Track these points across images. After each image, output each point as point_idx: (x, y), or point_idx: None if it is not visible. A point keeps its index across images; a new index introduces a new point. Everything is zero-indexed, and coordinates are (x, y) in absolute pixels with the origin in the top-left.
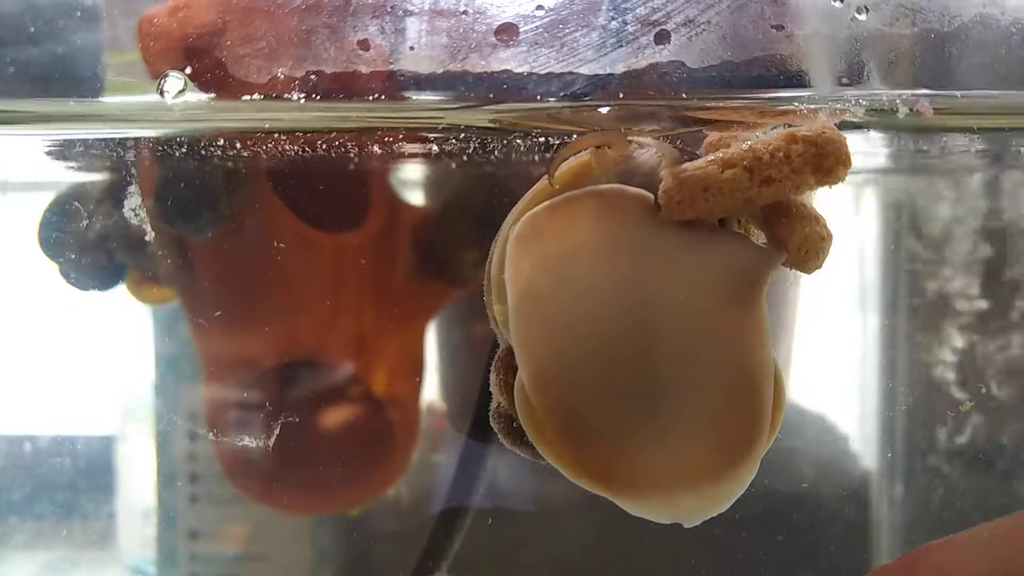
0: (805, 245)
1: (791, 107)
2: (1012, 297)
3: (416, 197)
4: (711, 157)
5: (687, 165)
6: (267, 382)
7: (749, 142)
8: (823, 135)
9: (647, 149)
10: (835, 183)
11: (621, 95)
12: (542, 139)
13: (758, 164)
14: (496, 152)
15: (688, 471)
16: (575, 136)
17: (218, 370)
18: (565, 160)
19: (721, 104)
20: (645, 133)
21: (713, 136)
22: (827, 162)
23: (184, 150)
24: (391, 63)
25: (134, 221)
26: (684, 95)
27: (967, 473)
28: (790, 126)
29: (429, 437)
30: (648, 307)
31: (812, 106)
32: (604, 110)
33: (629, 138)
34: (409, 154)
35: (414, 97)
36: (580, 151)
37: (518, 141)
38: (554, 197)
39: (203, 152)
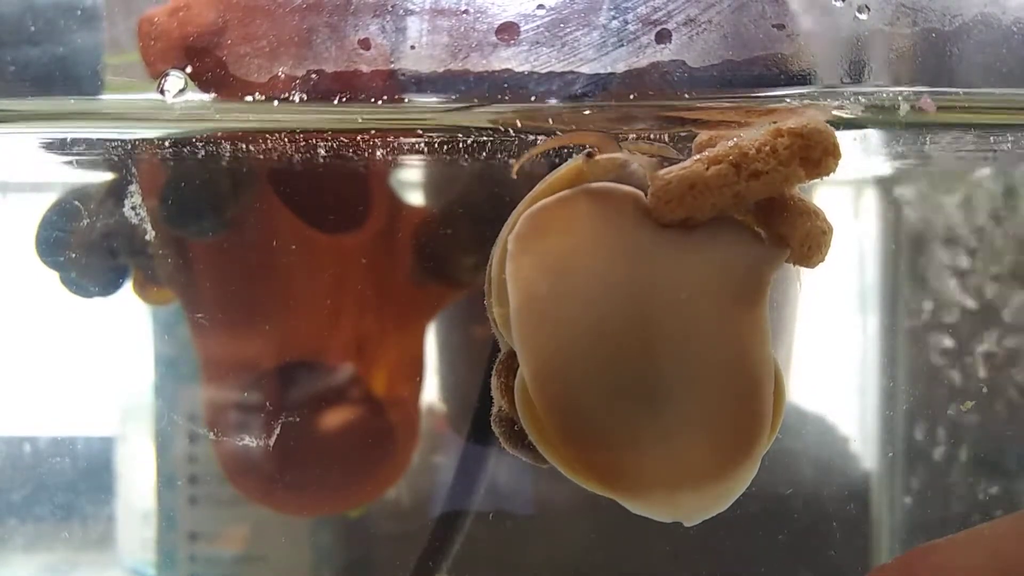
0: (807, 240)
1: (782, 104)
2: (1012, 297)
3: (417, 198)
4: (697, 156)
5: (673, 167)
6: (267, 383)
7: (734, 140)
8: (808, 127)
9: (637, 157)
10: (825, 175)
11: (632, 96)
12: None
13: (744, 159)
14: (496, 153)
15: (689, 470)
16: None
17: (218, 371)
18: (538, 154)
19: (719, 104)
20: (635, 131)
21: (703, 136)
22: (815, 153)
23: (185, 150)
24: (392, 62)
25: (134, 221)
26: (686, 94)
27: (967, 473)
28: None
29: (429, 439)
30: (649, 306)
31: (807, 102)
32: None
33: (617, 148)
34: (410, 155)
35: (415, 97)
36: (558, 147)
37: (517, 143)
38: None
39: (204, 153)
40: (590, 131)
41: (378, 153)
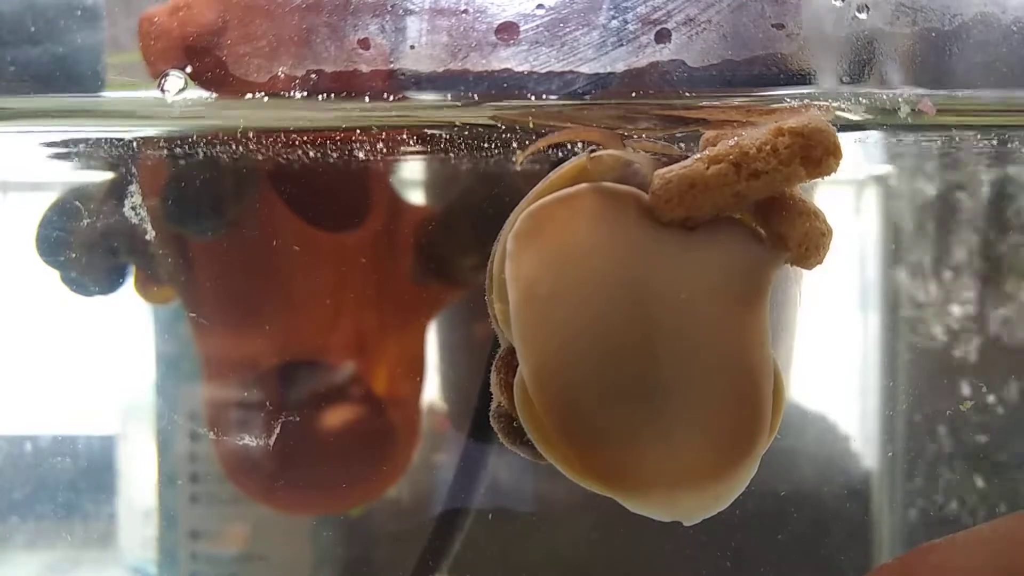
0: (805, 241)
1: (783, 104)
2: (1013, 297)
3: (417, 197)
4: (697, 156)
5: (674, 165)
6: (268, 382)
7: (735, 139)
8: (809, 126)
9: (640, 156)
10: (827, 174)
11: (633, 95)
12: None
13: (745, 158)
14: (497, 152)
15: (688, 470)
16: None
17: (219, 370)
18: (542, 148)
19: (718, 103)
20: (640, 131)
21: (710, 133)
22: (816, 152)
23: (185, 149)
24: (391, 62)
25: (134, 220)
26: (686, 94)
27: (967, 473)
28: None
29: (430, 437)
30: (649, 305)
31: (808, 102)
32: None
33: (622, 146)
34: (410, 154)
35: (415, 96)
36: (563, 142)
37: (518, 140)
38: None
39: (204, 152)
40: (594, 128)
41: (378, 152)
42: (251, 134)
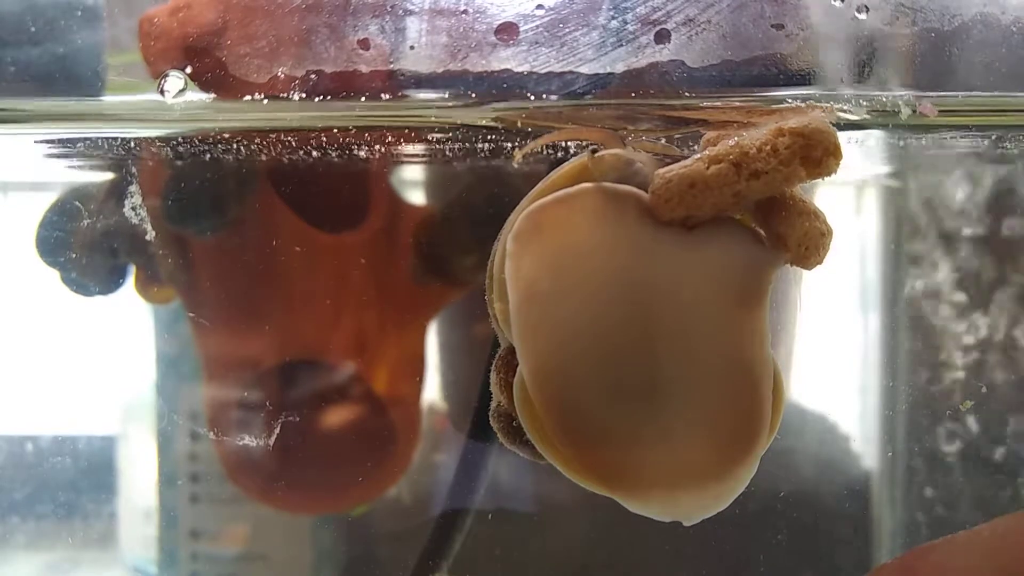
0: (805, 241)
1: (783, 104)
2: (1013, 296)
3: (417, 197)
4: (698, 155)
5: (675, 165)
6: (268, 382)
7: (735, 139)
8: (809, 126)
9: (642, 155)
10: (827, 174)
11: (633, 95)
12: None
13: (745, 159)
14: (497, 152)
15: (688, 469)
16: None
17: (219, 370)
18: (542, 145)
19: (718, 103)
20: (641, 132)
21: (711, 133)
22: (816, 152)
23: (185, 150)
24: (391, 62)
25: (134, 220)
26: (686, 94)
27: (967, 473)
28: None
29: (430, 437)
30: (649, 305)
31: (808, 102)
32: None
33: (622, 145)
34: (410, 154)
35: (414, 96)
36: (563, 140)
37: (518, 141)
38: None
39: (204, 152)
40: (595, 128)
41: (378, 152)
42: (233, 134)
